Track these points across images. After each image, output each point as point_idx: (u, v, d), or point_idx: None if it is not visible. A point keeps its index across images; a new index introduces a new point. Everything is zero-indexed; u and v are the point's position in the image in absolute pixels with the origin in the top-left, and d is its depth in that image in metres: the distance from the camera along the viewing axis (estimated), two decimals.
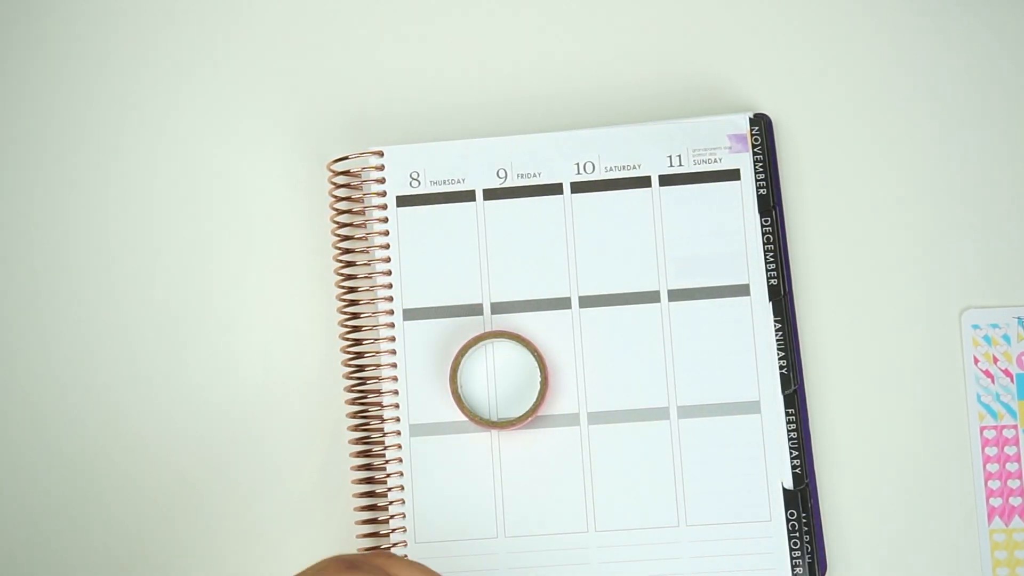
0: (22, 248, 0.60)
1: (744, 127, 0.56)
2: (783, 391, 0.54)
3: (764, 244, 0.55)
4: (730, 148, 0.56)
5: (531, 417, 0.54)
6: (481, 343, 0.55)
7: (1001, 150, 0.57)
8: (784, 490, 0.53)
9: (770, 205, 0.56)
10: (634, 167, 0.56)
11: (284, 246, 0.59)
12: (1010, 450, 0.55)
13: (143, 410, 0.58)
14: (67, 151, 0.61)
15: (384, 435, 0.55)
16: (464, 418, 0.55)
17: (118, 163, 0.60)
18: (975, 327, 0.56)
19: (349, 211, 0.57)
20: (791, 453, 0.54)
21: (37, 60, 0.62)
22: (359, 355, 0.56)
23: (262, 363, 0.58)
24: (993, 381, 0.55)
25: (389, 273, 0.56)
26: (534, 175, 0.57)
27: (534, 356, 0.54)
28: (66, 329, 0.59)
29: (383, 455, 0.55)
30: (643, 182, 0.56)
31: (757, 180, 0.56)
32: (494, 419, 0.55)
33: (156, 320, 0.59)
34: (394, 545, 0.54)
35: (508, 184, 0.57)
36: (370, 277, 0.57)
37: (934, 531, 0.55)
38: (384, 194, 0.57)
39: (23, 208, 0.61)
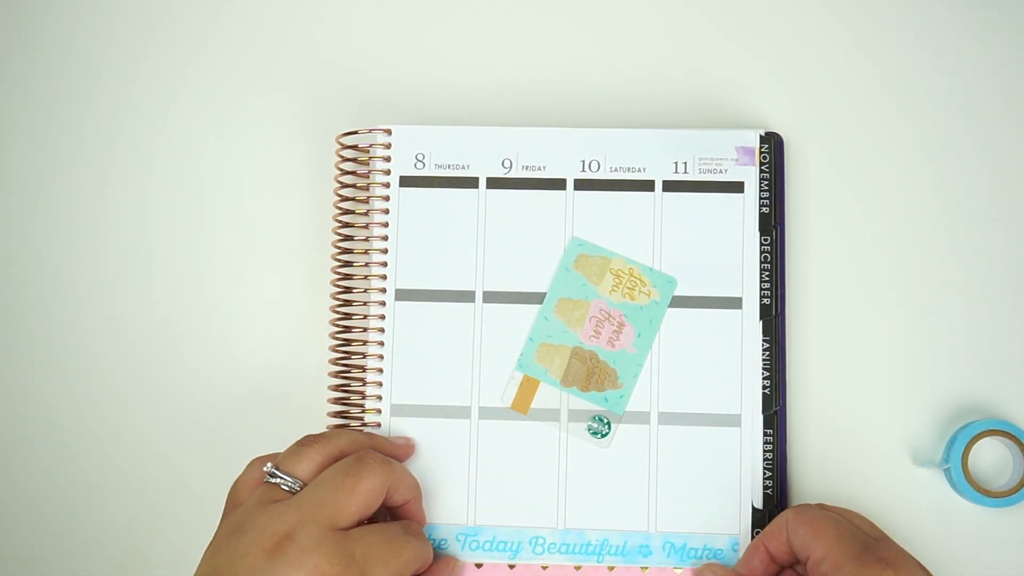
0: (21, 233, 0.61)
1: (753, 141, 0.56)
2: (763, 411, 0.54)
3: (761, 262, 0.55)
4: (736, 160, 0.56)
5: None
6: None
7: (1019, 193, 0.57)
8: (753, 508, 0.53)
9: (771, 224, 0.55)
10: (639, 170, 0.56)
11: (285, 222, 0.59)
12: None
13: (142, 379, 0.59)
14: (72, 128, 0.61)
15: (364, 411, 0.55)
16: (443, 403, 0.55)
17: (122, 139, 0.61)
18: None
19: (353, 186, 0.57)
20: (764, 473, 0.53)
21: (37, 31, 0.62)
22: (347, 329, 0.56)
23: (259, 339, 0.59)
24: None
25: (386, 252, 0.56)
26: (539, 168, 0.56)
27: None
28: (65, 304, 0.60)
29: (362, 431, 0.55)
30: (647, 186, 0.56)
31: (761, 197, 0.55)
32: None
33: (157, 297, 0.60)
34: None
35: (512, 175, 0.57)
36: (367, 254, 0.57)
37: None
38: (389, 172, 0.57)
39: (23, 186, 0.61)
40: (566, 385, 0.55)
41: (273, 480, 0.49)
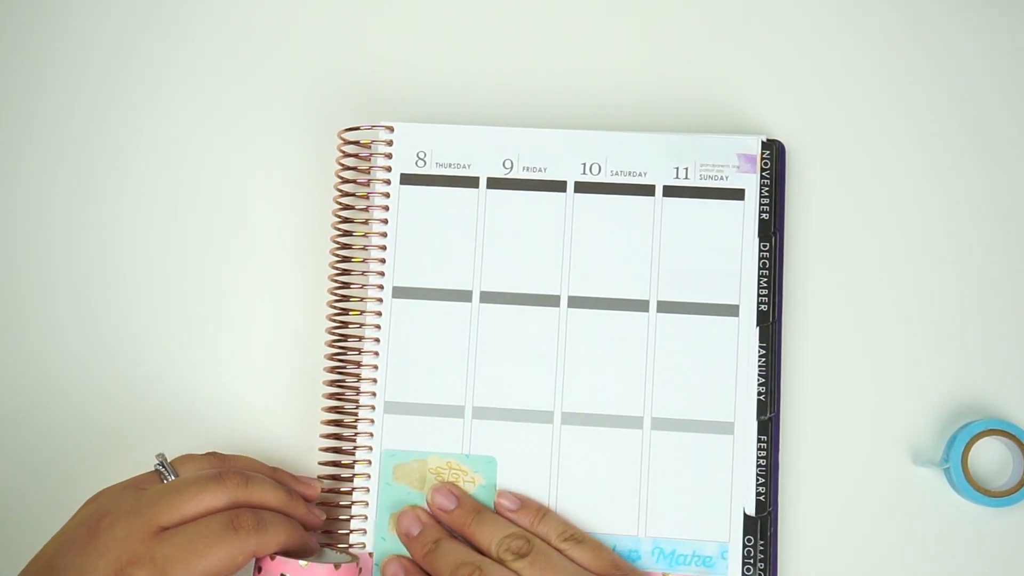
0: (9, 235, 0.60)
1: (755, 148, 0.56)
2: (758, 417, 0.54)
3: (759, 268, 0.55)
4: (738, 167, 0.56)
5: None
6: None
7: (1019, 198, 0.57)
8: (745, 515, 0.53)
9: (771, 231, 0.55)
10: (640, 174, 0.56)
11: (285, 217, 0.59)
12: None
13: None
14: (67, 124, 0.61)
15: (358, 407, 0.55)
16: (437, 401, 0.55)
17: (120, 132, 0.61)
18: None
19: (354, 181, 0.57)
20: (757, 480, 0.53)
21: (28, 28, 0.62)
22: (344, 325, 0.56)
23: (257, 335, 0.59)
24: None
25: (384, 248, 0.56)
26: (540, 169, 0.56)
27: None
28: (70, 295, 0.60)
29: (354, 427, 0.55)
30: (647, 190, 0.56)
31: (761, 204, 0.55)
32: None
33: (153, 292, 0.60)
34: (353, 517, 0.55)
35: (513, 175, 0.56)
36: (366, 250, 0.57)
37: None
38: (390, 169, 0.57)
39: (12, 187, 0.61)
40: None
41: (156, 468, 0.52)
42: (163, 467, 0.51)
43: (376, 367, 0.56)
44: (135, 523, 0.47)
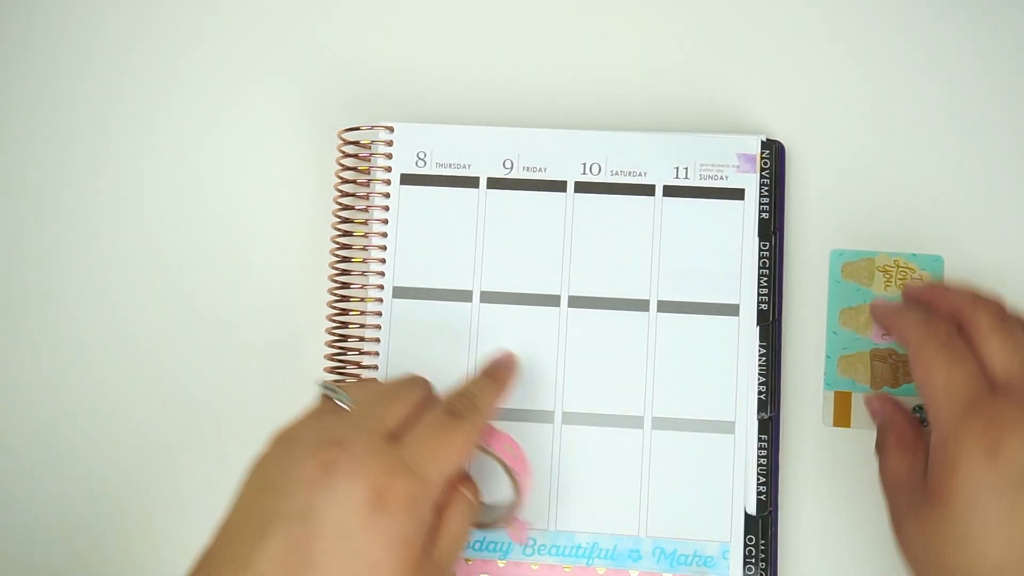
0: (10, 234, 0.60)
1: (755, 148, 0.56)
2: (759, 416, 0.54)
3: (759, 268, 0.55)
4: (738, 167, 0.56)
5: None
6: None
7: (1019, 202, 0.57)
8: (746, 515, 0.53)
9: (771, 230, 0.55)
10: (640, 174, 0.56)
11: (285, 217, 0.59)
12: None
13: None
14: (69, 124, 0.61)
15: None
16: None
17: (120, 129, 0.61)
18: None
19: (354, 182, 0.57)
20: (758, 479, 0.53)
21: (28, 24, 0.62)
22: (344, 325, 0.56)
23: (257, 333, 0.59)
24: None
25: (384, 248, 0.56)
26: (540, 169, 0.56)
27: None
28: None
29: None
30: (647, 190, 0.56)
31: (761, 203, 0.56)
32: None
33: (153, 290, 0.60)
34: None
35: (513, 175, 0.57)
36: (366, 250, 0.57)
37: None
38: (390, 169, 0.57)
39: (12, 186, 0.61)
40: (876, 387, 0.55)
41: (325, 393, 0.48)
42: (331, 390, 0.48)
43: (376, 367, 0.56)
44: (368, 440, 0.45)
